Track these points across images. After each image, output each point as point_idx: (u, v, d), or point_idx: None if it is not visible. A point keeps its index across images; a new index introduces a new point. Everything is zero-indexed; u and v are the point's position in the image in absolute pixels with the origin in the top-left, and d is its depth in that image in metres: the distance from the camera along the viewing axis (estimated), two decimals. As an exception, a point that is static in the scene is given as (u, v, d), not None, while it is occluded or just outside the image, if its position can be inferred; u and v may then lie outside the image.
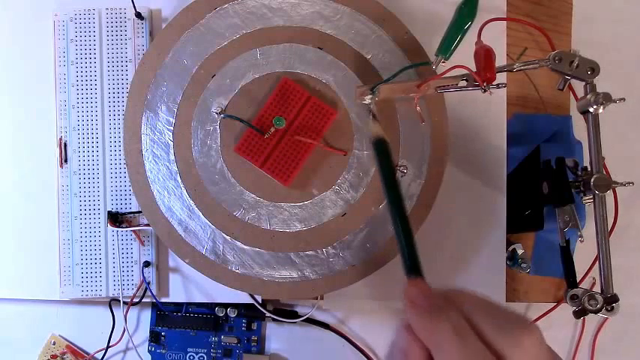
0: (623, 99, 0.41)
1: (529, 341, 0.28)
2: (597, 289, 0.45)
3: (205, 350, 0.50)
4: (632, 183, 0.45)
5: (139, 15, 0.48)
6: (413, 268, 0.33)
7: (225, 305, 0.50)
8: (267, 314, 0.49)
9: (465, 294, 0.30)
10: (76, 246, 0.47)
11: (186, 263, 0.43)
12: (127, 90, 0.47)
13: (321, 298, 0.49)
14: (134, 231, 0.47)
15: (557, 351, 0.54)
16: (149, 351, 0.50)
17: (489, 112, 0.50)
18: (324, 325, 0.51)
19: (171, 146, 0.44)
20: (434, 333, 0.29)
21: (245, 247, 0.43)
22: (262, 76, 0.44)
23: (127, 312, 0.47)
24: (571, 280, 0.45)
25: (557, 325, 0.53)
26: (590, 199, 0.44)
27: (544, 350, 0.29)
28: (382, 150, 0.36)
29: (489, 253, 0.50)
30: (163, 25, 0.48)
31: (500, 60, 0.48)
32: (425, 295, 0.31)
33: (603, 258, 0.44)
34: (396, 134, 0.44)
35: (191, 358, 0.50)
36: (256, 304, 0.48)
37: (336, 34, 0.44)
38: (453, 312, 0.29)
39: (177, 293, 0.49)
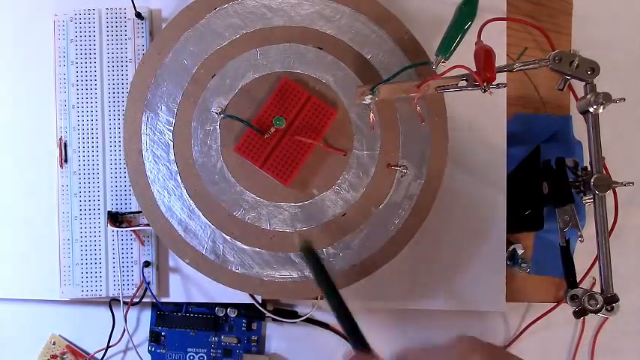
0: (623, 99, 0.41)
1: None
2: (597, 289, 0.45)
3: (205, 350, 0.50)
4: (632, 183, 0.45)
5: (139, 15, 0.48)
6: (359, 343, 0.36)
7: (225, 305, 0.50)
8: (267, 314, 0.49)
9: (407, 349, 0.33)
10: (76, 246, 0.47)
11: (186, 263, 0.44)
12: (127, 90, 0.47)
13: (321, 298, 0.49)
14: (134, 231, 0.47)
15: (557, 351, 0.55)
16: (149, 351, 0.50)
17: (489, 112, 0.50)
18: (324, 325, 0.51)
19: (171, 146, 0.44)
20: None
21: (245, 247, 0.43)
22: (262, 76, 0.44)
23: (127, 312, 0.47)
24: (571, 280, 0.45)
25: (557, 325, 0.53)
26: (590, 199, 0.44)
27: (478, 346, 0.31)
28: (309, 254, 0.40)
29: (489, 253, 0.50)
30: (163, 25, 0.48)
31: (500, 60, 0.48)
32: None
33: (603, 258, 0.44)
34: (396, 134, 0.44)
35: (191, 358, 0.50)
36: (256, 304, 0.48)
37: (336, 34, 0.44)
38: None
39: (177, 293, 0.49)
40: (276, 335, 0.51)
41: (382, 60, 0.44)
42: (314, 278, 0.40)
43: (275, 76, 0.44)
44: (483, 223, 0.50)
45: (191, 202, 0.43)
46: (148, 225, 0.46)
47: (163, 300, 0.49)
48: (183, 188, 0.44)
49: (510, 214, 0.50)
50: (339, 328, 0.51)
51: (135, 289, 0.48)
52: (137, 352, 0.49)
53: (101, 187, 0.48)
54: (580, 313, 0.45)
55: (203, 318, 0.50)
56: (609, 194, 0.44)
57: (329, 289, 0.38)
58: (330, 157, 0.44)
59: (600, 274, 0.44)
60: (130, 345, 0.50)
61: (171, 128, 0.44)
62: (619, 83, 0.46)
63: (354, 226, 0.44)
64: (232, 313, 0.50)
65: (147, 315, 0.50)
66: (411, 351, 0.34)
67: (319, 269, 0.39)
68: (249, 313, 0.50)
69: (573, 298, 0.45)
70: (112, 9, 0.48)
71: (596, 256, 0.44)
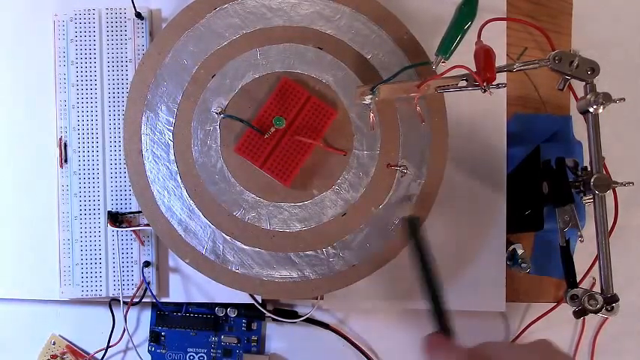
0: (623, 99, 0.41)
1: None
2: (597, 289, 0.45)
3: (205, 350, 0.50)
4: (632, 183, 0.45)
5: (139, 15, 0.48)
6: (443, 326, 0.36)
7: (225, 305, 0.50)
8: (267, 314, 0.49)
9: (486, 343, 0.32)
10: (76, 246, 0.47)
11: (186, 263, 0.44)
12: (127, 90, 0.47)
13: (321, 298, 0.49)
14: (134, 231, 0.47)
15: (557, 351, 0.54)
16: (149, 351, 0.50)
17: (489, 112, 0.50)
18: (324, 325, 0.51)
19: (171, 146, 0.44)
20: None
21: (245, 247, 0.43)
22: (262, 76, 0.44)
23: (127, 312, 0.47)
24: (571, 280, 0.45)
25: (557, 325, 0.53)
26: (590, 199, 0.44)
27: None
28: (414, 228, 0.41)
29: (489, 253, 0.50)
30: (163, 25, 0.48)
31: (500, 60, 0.48)
32: (441, 342, 0.34)
33: (603, 258, 0.44)
34: (396, 134, 0.44)
35: (191, 358, 0.50)
36: (256, 304, 0.48)
37: (336, 34, 0.44)
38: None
39: (177, 293, 0.49)
40: (276, 335, 0.51)
41: (382, 60, 0.44)
42: (413, 254, 0.40)
43: (275, 76, 0.44)
44: (483, 223, 0.50)
45: (191, 202, 0.43)
46: (148, 225, 0.46)
47: (163, 300, 0.49)
48: (183, 188, 0.44)
49: (510, 214, 0.50)
50: (339, 327, 0.51)
51: (135, 289, 0.48)
52: (137, 352, 0.49)
53: (101, 187, 0.48)
54: (580, 313, 0.45)
55: (203, 318, 0.50)
56: (609, 194, 0.44)
57: (426, 268, 0.39)
58: (330, 157, 0.44)
59: (600, 274, 0.44)
60: (130, 345, 0.50)
61: (172, 128, 0.44)
62: (619, 83, 0.46)
63: (354, 226, 0.44)
64: (232, 313, 0.50)
65: (147, 315, 0.50)
66: (490, 345, 0.33)
67: (420, 246, 0.40)
68: (249, 313, 0.50)
69: (573, 298, 0.45)
70: (112, 9, 0.48)
71: (596, 256, 0.44)
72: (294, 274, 0.44)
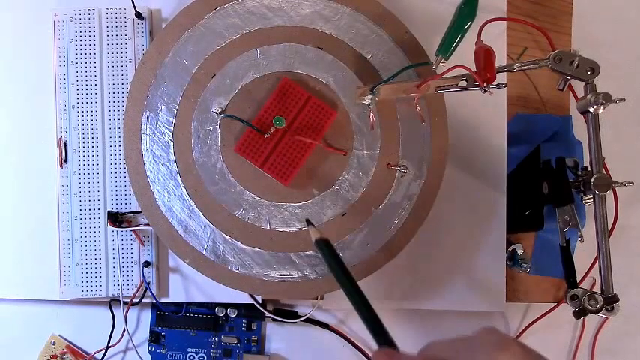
0: (623, 99, 0.41)
1: (504, 357, 0.28)
2: (597, 289, 0.45)
3: (205, 350, 0.50)
4: (632, 183, 0.45)
5: (139, 15, 0.48)
6: (384, 342, 0.33)
7: (225, 305, 0.50)
8: (267, 314, 0.49)
9: (432, 343, 0.31)
10: (76, 246, 0.47)
11: (186, 263, 0.44)
12: (127, 90, 0.47)
13: (321, 298, 0.49)
14: (134, 231, 0.47)
15: (557, 351, 0.55)
16: (149, 351, 0.50)
17: (489, 112, 0.50)
18: (324, 325, 0.51)
19: (171, 146, 0.44)
20: None
21: (245, 247, 0.43)
22: (262, 76, 0.44)
23: (127, 312, 0.47)
24: (571, 280, 0.45)
25: (557, 325, 0.53)
26: (590, 199, 0.44)
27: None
28: (326, 249, 0.37)
29: (489, 253, 0.50)
30: (163, 25, 0.48)
31: (501, 60, 0.48)
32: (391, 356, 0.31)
33: (603, 258, 0.44)
34: (396, 134, 0.44)
35: (191, 358, 0.50)
36: (256, 304, 0.48)
37: (336, 34, 0.44)
38: None
39: (177, 293, 0.49)
40: (276, 335, 0.51)
41: (382, 60, 0.44)
42: (332, 272, 0.37)
43: (275, 76, 0.44)
44: (483, 223, 0.50)
45: (191, 202, 0.43)
46: (148, 225, 0.46)
47: (163, 300, 0.49)
48: (183, 188, 0.44)
49: (510, 214, 0.50)
50: (339, 327, 0.51)
51: (135, 289, 0.48)
52: (137, 352, 0.49)
53: (101, 187, 0.48)
54: (580, 313, 0.45)
55: (203, 318, 0.50)
56: (609, 194, 0.44)
57: (348, 284, 0.35)
58: (330, 157, 0.44)
59: (600, 274, 0.44)
60: (130, 345, 0.50)
61: (172, 128, 0.44)
62: (619, 83, 0.46)
63: (354, 226, 0.44)
64: (232, 313, 0.50)
65: (147, 315, 0.50)
66: (435, 345, 0.32)
67: (336, 263, 0.36)
68: (249, 313, 0.50)
69: (573, 298, 0.45)
70: (112, 9, 0.48)
71: (596, 256, 0.44)
72: (294, 274, 0.44)
